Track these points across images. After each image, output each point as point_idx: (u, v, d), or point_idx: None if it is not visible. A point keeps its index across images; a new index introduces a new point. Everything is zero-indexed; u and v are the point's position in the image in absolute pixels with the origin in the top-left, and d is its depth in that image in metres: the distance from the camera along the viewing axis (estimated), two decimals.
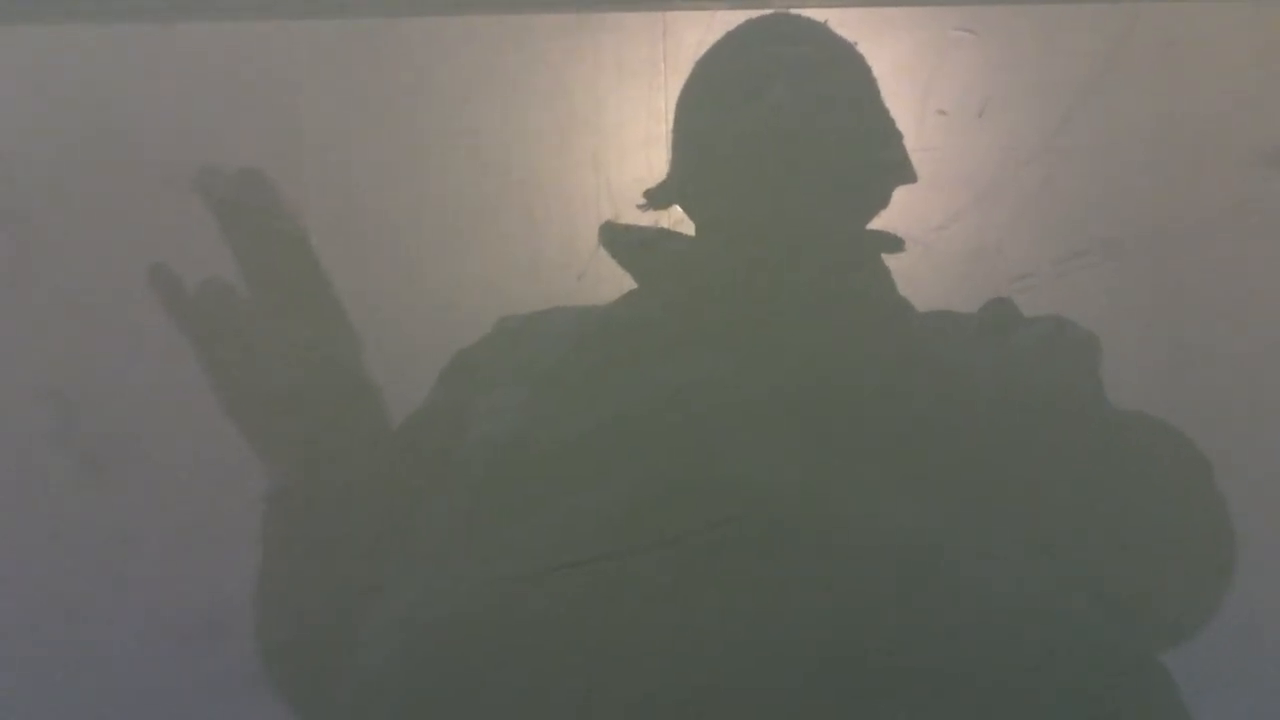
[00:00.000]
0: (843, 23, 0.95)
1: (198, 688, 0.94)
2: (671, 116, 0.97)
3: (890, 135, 0.94)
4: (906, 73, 0.97)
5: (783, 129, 0.89)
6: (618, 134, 0.99)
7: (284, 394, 0.86)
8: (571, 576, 0.75)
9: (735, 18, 0.95)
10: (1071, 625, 0.75)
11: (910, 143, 0.94)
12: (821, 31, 0.95)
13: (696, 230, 0.94)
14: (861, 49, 0.95)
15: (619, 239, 0.93)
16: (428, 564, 0.81)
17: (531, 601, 0.74)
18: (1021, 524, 0.79)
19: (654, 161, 0.97)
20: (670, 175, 0.95)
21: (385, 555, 0.84)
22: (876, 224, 0.93)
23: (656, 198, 0.95)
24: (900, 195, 0.94)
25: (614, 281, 0.93)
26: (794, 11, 0.96)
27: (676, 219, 0.95)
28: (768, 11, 0.96)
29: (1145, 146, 1.00)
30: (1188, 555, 0.85)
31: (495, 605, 0.75)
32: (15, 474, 0.95)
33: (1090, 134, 0.97)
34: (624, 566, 0.74)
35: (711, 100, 0.94)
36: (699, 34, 0.95)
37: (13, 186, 1.00)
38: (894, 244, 0.91)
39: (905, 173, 0.93)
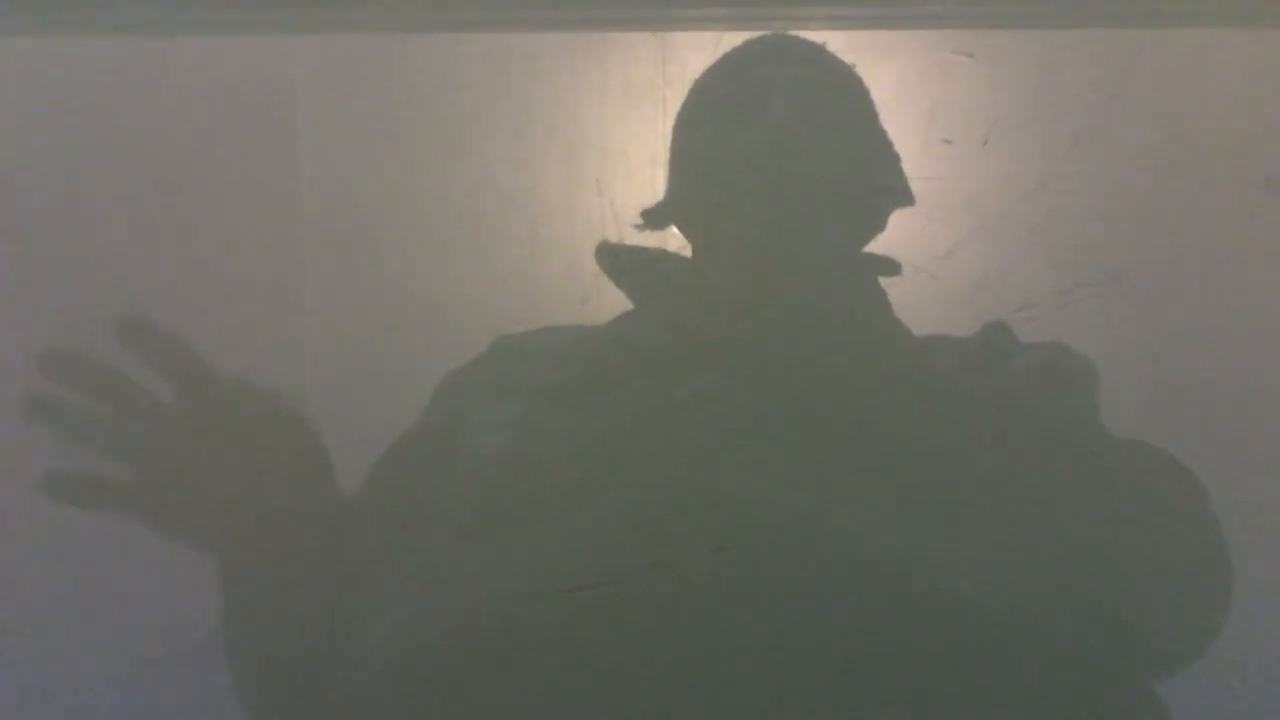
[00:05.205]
0: (847, 45, 0.95)
1: (196, 706, 0.93)
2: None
3: (888, 158, 0.94)
4: (910, 99, 0.97)
5: (779, 150, 0.90)
6: (622, 154, 0.99)
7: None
8: (568, 595, 0.75)
9: (737, 38, 0.95)
10: (1067, 651, 0.75)
11: (914, 171, 0.94)
12: (820, 54, 0.95)
13: (693, 251, 0.94)
14: (865, 73, 0.95)
15: (616, 260, 0.94)
16: (423, 581, 0.81)
17: (527, 619, 0.74)
18: (1017, 547, 0.79)
19: (659, 182, 0.97)
20: (667, 196, 0.96)
21: (378, 573, 0.84)
22: (878, 247, 0.93)
23: (653, 219, 0.95)
24: (904, 223, 0.94)
25: (617, 302, 0.93)
26: (793, 33, 0.96)
27: (676, 240, 0.95)
28: (767, 33, 0.96)
29: (1150, 174, 1.00)
30: (1184, 584, 0.84)
31: (490, 623, 0.75)
32: (12, 482, 0.95)
33: (1095, 162, 0.97)
34: (621, 585, 0.74)
35: (709, 121, 0.94)
36: (703, 55, 0.96)
37: (13, 198, 1.00)
38: (890, 267, 0.92)
39: (903, 195, 0.94)
